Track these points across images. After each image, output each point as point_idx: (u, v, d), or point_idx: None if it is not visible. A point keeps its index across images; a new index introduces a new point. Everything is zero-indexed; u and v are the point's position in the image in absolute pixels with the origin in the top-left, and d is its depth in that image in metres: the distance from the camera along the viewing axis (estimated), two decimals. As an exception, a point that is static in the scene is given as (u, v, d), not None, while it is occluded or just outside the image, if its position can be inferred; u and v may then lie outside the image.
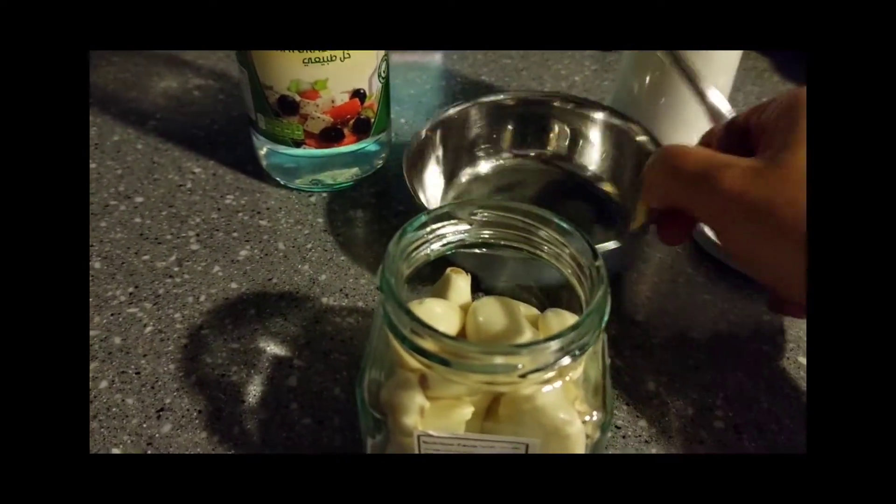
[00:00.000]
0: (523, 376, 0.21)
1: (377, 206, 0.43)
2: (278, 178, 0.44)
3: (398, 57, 0.59)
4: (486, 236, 0.26)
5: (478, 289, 0.30)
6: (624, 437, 0.30)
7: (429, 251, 0.26)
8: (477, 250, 0.27)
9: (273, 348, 0.33)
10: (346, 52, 0.38)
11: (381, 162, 0.45)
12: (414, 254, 0.25)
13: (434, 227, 0.25)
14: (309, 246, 0.40)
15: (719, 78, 0.39)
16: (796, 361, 0.33)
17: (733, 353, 0.34)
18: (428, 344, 0.21)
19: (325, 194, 0.43)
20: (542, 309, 0.29)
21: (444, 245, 0.26)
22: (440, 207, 0.25)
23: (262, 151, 0.43)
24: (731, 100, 0.55)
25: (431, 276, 0.29)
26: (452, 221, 0.25)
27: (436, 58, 0.60)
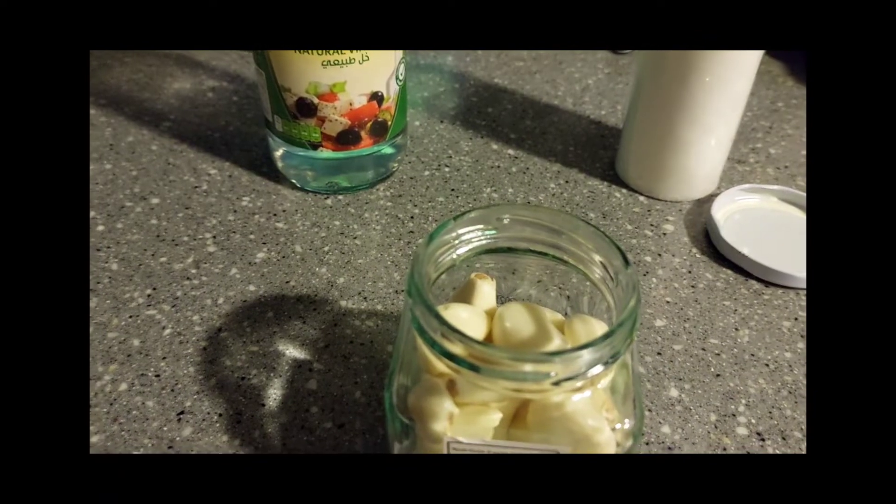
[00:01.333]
0: (556, 384, 0.20)
1: (393, 209, 0.43)
2: (294, 181, 0.44)
3: (411, 59, 0.59)
4: (513, 241, 0.26)
5: (498, 292, 0.30)
6: (647, 443, 0.30)
7: (455, 255, 0.25)
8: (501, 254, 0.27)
9: (292, 351, 0.33)
10: (364, 54, 0.38)
11: (396, 165, 0.45)
12: (441, 258, 0.25)
13: (461, 231, 0.25)
14: (326, 248, 0.40)
15: (738, 82, 0.39)
16: (818, 368, 0.33)
17: (755, 360, 0.34)
18: (457, 348, 0.21)
19: (341, 197, 0.43)
20: (563, 313, 0.29)
21: (470, 249, 0.26)
22: (467, 212, 0.25)
23: (279, 153, 0.43)
24: (746, 105, 0.55)
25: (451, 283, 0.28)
26: (479, 226, 0.25)
27: (448, 60, 0.60)
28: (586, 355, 0.20)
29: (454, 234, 0.25)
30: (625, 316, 0.21)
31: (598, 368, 0.21)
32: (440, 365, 0.23)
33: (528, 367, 0.20)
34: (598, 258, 0.24)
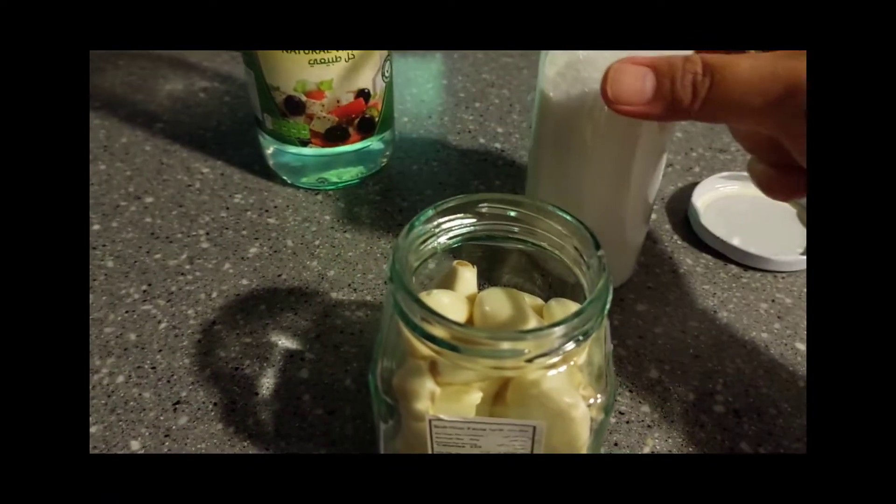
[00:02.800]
0: (529, 361, 0.21)
1: (382, 203, 0.44)
2: (285, 177, 0.45)
3: (400, 56, 0.60)
4: (492, 229, 0.27)
5: (483, 281, 0.31)
6: (628, 422, 0.31)
7: (436, 244, 0.26)
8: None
9: (284, 342, 0.34)
10: (350, 53, 0.39)
11: (385, 160, 0.46)
12: (422, 246, 0.26)
13: (441, 220, 0.26)
14: (317, 243, 0.41)
15: (649, 169, 0.33)
16: (793, 347, 0.34)
17: (732, 340, 0.35)
18: (438, 331, 0.22)
19: (331, 192, 0.44)
20: (547, 299, 0.30)
21: (450, 238, 0.27)
22: (447, 201, 0.26)
23: (269, 151, 0.44)
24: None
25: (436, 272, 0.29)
26: (459, 215, 0.26)
27: (437, 57, 0.61)
28: (558, 332, 0.21)
29: (435, 224, 0.26)
30: (594, 295, 0.22)
31: (571, 345, 0.22)
32: (423, 348, 0.24)
33: (504, 346, 0.21)
34: (572, 243, 0.25)
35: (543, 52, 0.33)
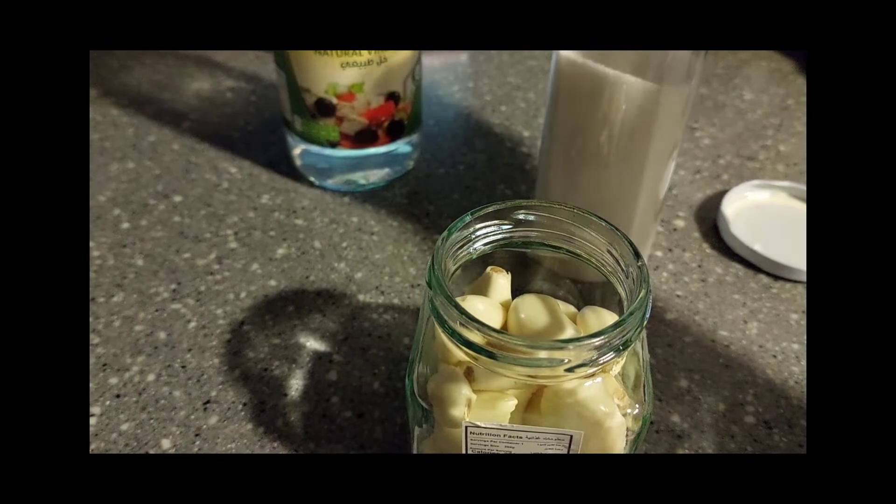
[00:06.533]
0: (569, 370, 0.21)
1: (409, 206, 0.44)
2: (312, 178, 0.45)
3: (426, 59, 0.60)
4: (529, 236, 0.27)
5: (515, 287, 0.30)
6: (657, 431, 0.31)
7: (472, 250, 0.26)
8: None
9: (313, 344, 0.35)
10: (381, 56, 0.39)
11: (412, 163, 0.46)
12: (459, 252, 0.26)
13: (478, 226, 0.26)
14: (344, 245, 0.41)
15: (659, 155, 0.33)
16: (825, 360, 0.34)
17: (763, 350, 0.34)
18: (475, 337, 0.22)
19: (358, 194, 0.44)
20: (578, 306, 0.30)
21: (486, 244, 0.27)
22: (484, 207, 0.26)
23: (297, 151, 0.44)
24: (756, 102, 0.56)
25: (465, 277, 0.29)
26: (496, 221, 0.26)
27: (462, 59, 0.61)
28: (598, 343, 0.21)
29: (471, 230, 0.26)
30: (635, 306, 0.22)
31: (610, 355, 0.22)
32: (457, 353, 0.24)
33: (543, 354, 0.21)
34: (609, 252, 0.25)
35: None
